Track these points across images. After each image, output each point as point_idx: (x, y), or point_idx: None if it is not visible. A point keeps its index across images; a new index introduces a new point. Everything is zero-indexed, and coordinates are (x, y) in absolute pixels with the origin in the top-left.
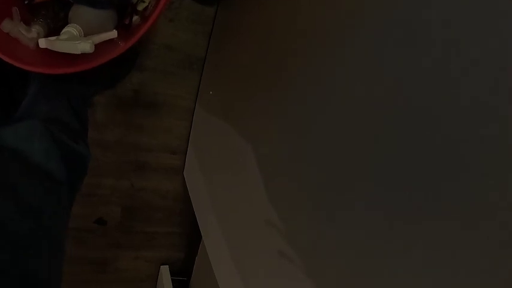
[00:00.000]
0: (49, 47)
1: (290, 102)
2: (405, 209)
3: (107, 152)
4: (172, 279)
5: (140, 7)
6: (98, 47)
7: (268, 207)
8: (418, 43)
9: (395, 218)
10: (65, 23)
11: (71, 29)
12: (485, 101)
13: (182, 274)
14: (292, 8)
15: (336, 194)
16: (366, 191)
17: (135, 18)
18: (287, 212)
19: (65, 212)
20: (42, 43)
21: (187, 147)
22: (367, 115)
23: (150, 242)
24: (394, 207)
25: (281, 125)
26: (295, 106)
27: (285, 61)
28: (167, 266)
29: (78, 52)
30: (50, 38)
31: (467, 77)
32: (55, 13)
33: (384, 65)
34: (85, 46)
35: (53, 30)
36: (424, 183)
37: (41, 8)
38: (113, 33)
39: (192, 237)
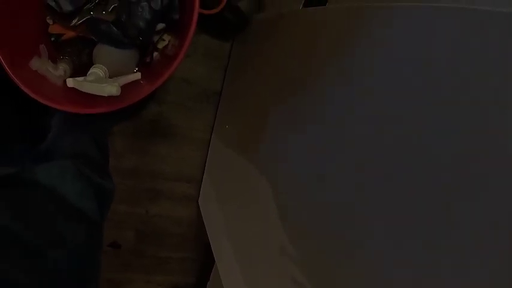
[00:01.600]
0: (77, 87)
1: (305, 137)
2: (422, 242)
3: (124, 179)
4: None
5: (160, 45)
6: (122, 87)
7: (282, 236)
8: None
9: (413, 254)
10: (89, 59)
11: (97, 70)
12: None
13: None
14: (307, 44)
15: (351, 226)
16: (381, 226)
17: (155, 54)
18: (301, 241)
19: (101, 249)
20: (70, 83)
21: (202, 176)
22: (386, 147)
23: (162, 266)
24: (410, 241)
25: (296, 159)
26: (311, 141)
27: (300, 96)
28: None
29: (105, 95)
30: (77, 78)
31: None
32: (80, 50)
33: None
34: (112, 89)
35: (78, 67)
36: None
37: (67, 46)
38: (137, 75)
39: (204, 263)
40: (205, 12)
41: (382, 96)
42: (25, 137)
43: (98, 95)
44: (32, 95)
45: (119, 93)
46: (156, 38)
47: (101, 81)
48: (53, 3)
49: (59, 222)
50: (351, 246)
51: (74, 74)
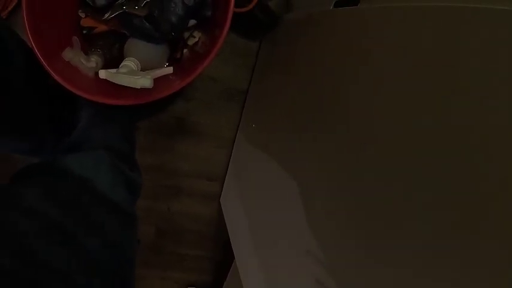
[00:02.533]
0: (109, 79)
1: (334, 138)
2: (454, 251)
3: (147, 175)
4: None
5: (190, 42)
6: (154, 81)
7: (307, 237)
8: None
9: (445, 260)
10: (120, 53)
11: (129, 63)
12: None
13: None
14: (338, 45)
15: (379, 230)
16: (412, 232)
17: (185, 51)
18: (327, 243)
19: (136, 241)
20: (102, 74)
21: (225, 174)
22: (416, 151)
23: (179, 263)
24: (440, 249)
25: (324, 160)
26: (340, 142)
27: (329, 96)
28: None
29: (138, 87)
30: (110, 70)
31: None
32: (111, 44)
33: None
34: (145, 82)
35: (109, 61)
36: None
37: (98, 39)
38: (169, 69)
39: (222, 262)
40: (237, 10)
41: (414, 94)
42: (54, 128)
43: (128, 88)
44: (64, 84)
45: (151, 86)
46: (186, 35)
47: (133, 74)
48: None
49: (93, 212)
50: (380, 251)
51: (104, 67)
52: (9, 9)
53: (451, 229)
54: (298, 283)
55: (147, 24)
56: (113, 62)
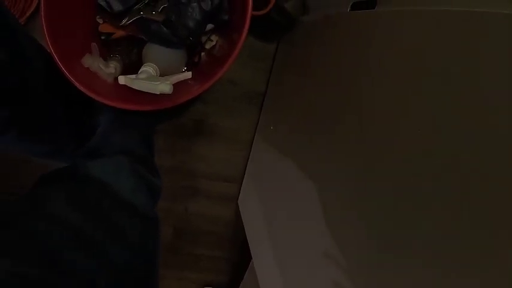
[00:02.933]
0: (128, 85)
1: (354, 140)
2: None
3: (165, 176)
4: None
5: (208, 45)
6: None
7: (326, 239)
8: None
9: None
10: (139, 59)
11: (148, 69)
12: None
13: None
14: (354, 48)
15: (398, 233)
16: (434, 234)
17: (202, 55)
18: (345, 244)
19: (159, 245)
20: (122, 80)
21: (243, 176)
22: (446, 149)
23: (196, 264)
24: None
25: (342, 161)
26: (358, 143)
27: (346, 99)
28: None
29: (158, 93)
30: (129, 76)
31: None
32: (129, 49)
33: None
34: (165, 88)
35: (127, 66)
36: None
37: (117, 45)
38: (188, 74)
39: (239, 263)
40: (254, 13)
41: (437, 96)
42: (73, 132)
43: (147, 93)
44: (84, 91)
45: (171, 92)
46: (204, 39)
47: (153, 80)
48: (103, 3)
49: (114, 217)
50: (401, 252)
51: (123, 73)
52: (27, 15)
53: (478, 229)
54: (315, 284)
55: (164, 29)
56: (131, 67)
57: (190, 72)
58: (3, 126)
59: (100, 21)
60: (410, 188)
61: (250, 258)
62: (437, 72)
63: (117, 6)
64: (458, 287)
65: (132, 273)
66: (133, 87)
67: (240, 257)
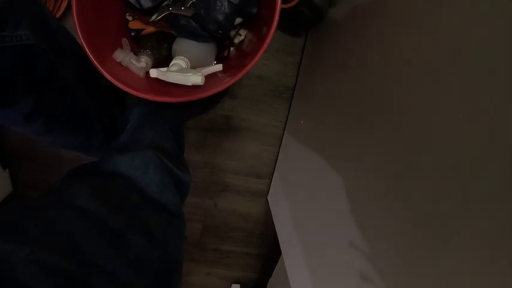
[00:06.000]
0: (160, 77)
1: (388, 136)
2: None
3: (196, 172)
4: None
5: (237, 40)
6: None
7: (355, 234)
8: None
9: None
10: (169, 53)
11: (179, 61)
12: None
13: None
14: (385, 37)
15: (429, 226)
16: (467, 229)
17: (231, 49)
18: (375, 241)
19: (183, 241)
20: (154, 73)
21: (273, 172)
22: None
23: (224, 260)
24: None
25: (373, 157)
26: (387, 139)
27: (377, 93)
28: (239, 285)
29: (190, 84)
30: (160, 69)
31: None
32: (159, 44)
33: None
34: (197, 79)
35: (158, 61)
36: None
37: (147, 40)
38: (219, 67)
39: (268, 260)
40: (282, 6)
41: (464, 88)
42: (103, 126)
43: (178, 86)
44: (117, 84)
45: (203, 83)
46: (232, 33)
47: (184, 72)
48: (132, 0)
49: (141, 211)
50: (427, 246)
51: (154, 67)
52: (58, 16)
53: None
54: (342, 277)
55: (193, 23)
56: (162, 61)
57: (220, 65)
58: (30, 114)
59: (130, 18)
60: (443, 185)
61: (280, 254)
62: (479, 60)
63: (146, 3)
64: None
65: (154, 268)
66: (166, 80)
67: (270, 253)
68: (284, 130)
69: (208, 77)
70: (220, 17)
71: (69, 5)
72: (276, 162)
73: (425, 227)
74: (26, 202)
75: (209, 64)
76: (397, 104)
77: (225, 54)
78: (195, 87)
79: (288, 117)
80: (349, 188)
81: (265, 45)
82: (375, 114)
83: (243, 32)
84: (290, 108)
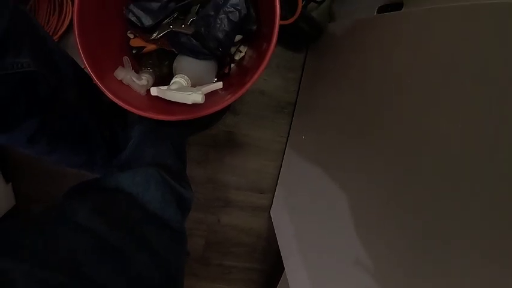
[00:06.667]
0: (161, 95)
1: (386, 148)
2: None
3: (198, 187)
4: None
5: (237, 57)
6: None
7: (359, 250)
8: None
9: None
10: (170, 71)
11: (180, 79)
12: None
13: None
14: (383, 52)
15: (435, 243)
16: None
17: (232, 66)
18: (378, 255)
19: (185, 258)
20: (154, 91)
21: (275, 187)
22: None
23: (227, 275)
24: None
25: (376, 172)
26: (392, 152)
27: (377, 104)
28: None
29: (190, 102)
30: (161, 87)
31: None
32: (160, 62)
33: None
34: (197, 97)
35: (159, 78)
36: None
37: (148, 58)
38: (219, 85)
39: (270, 275)
40: (281, 22)
41: (467, 99)
42: (105, 143)
43: (179, 104)
44: (118, 102)
45: (203, 102)
46: (233, 50)
47: (185, 90)
48: (134, 18)
49: (141, 228)
50: (433, 263)
51: (155, 85)
52: (60, 33)
53: None
54: None
55: (194, 41)
56: (163, 79)
57: (221, 82)
58: (33, 136)
59: (131, 36)
60: (447, 197)
61: (283, 270)
62: (477, 69)
63: (147, 21)
64: None
65: (155, 285)
66: (166, 98)
67: (272, 269)
68: (286, 145)
69: (209, 95)
70: (220, 35)
71: (71, 22)
72: (278, 177)
73: (428, 238)
74: (26, 218)
75: (210, 81)
76: (397, 114)
77: (226, 71)
78: (195, 105)
79: (289, 132)
80: (352, 200)
81: (265, 62)
82: (375, 126)
83: (243, 49)
84: (291, 122)
